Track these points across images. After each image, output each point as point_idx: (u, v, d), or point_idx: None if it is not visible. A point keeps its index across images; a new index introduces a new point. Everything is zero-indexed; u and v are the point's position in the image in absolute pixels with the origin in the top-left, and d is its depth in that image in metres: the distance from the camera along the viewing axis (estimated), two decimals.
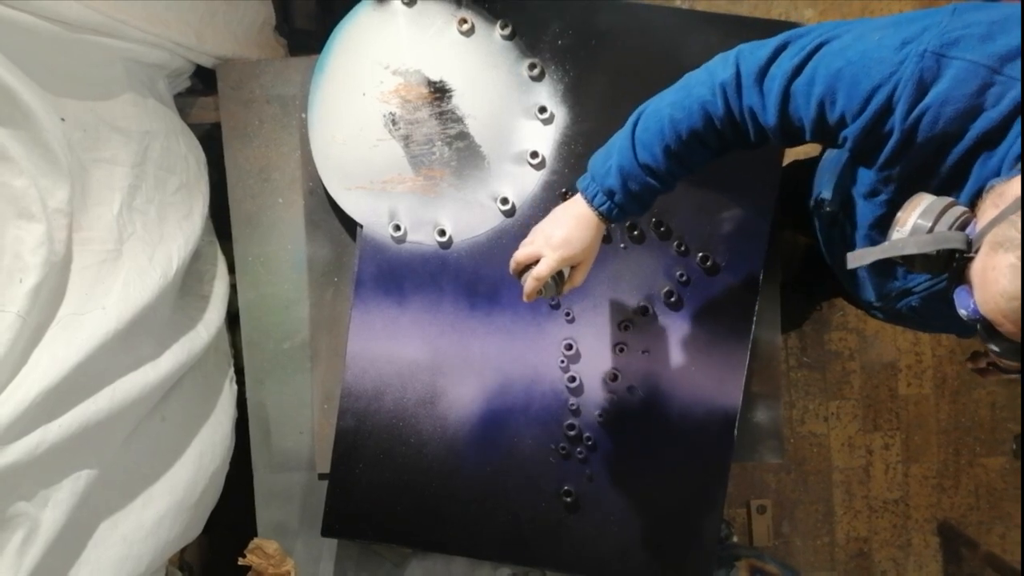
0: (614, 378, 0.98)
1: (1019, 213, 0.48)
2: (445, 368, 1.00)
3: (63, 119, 0.76)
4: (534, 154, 0.98)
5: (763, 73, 0.67)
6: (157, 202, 0.91)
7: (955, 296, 0.54)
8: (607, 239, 0.99)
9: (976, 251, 0.51)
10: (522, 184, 1.00)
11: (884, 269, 0.79)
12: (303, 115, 1.02)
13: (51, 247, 0.71)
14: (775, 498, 1.72)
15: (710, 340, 0.98)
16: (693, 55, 0.96)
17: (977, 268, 0.51)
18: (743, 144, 0.74)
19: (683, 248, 0.98)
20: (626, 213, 0.77)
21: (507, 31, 0.97)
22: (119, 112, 0.86)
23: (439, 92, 0.96)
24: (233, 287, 1.08)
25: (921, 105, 0.58)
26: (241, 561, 1.02)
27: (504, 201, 0.99)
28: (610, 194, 0.76)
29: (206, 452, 0.99)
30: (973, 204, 0.56)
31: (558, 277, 0.79)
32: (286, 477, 1.06)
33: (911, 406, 1.73)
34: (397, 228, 1.00)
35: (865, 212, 0.73)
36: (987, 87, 0.56)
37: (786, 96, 0.66)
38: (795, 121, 0.68)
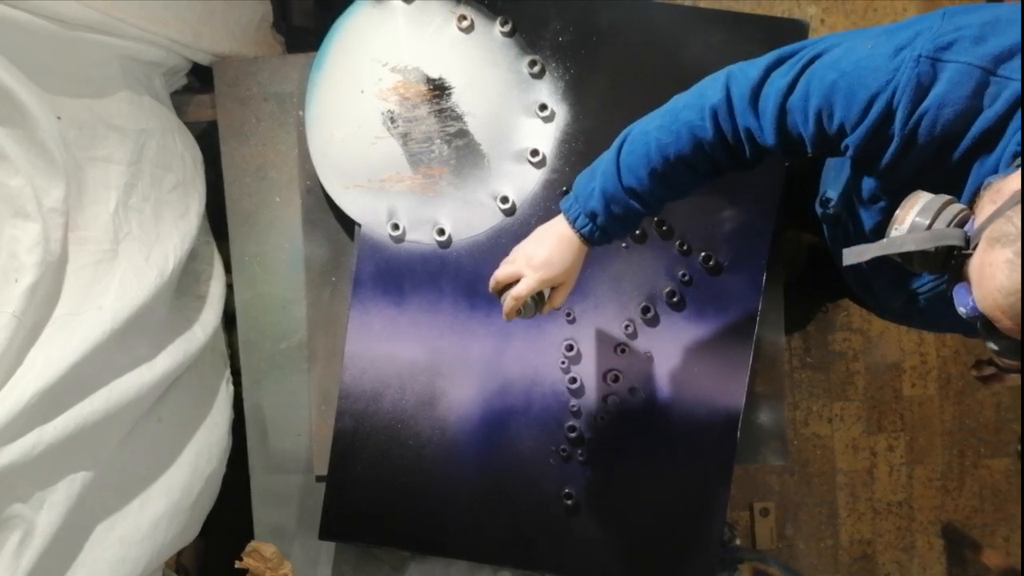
0: (615, 379, 0.97)
1: (1016, 208, 0.48)
2: (444, 369, 0.99)
3: (59, 117, 0.76)
4: (534, 152, 0.98)
5: (756, 94, 0.67)
6: (153, 200, 0.90)
7: (954, 293, 0.54)
8: None
9: (974, 248, 0.51)
10: (522, 183, 0.99)
11: (889, 270, 0.79)
12: (301, 113, 1.02)
13: (47, 246, 0.70)
14: (778, 500, 1.71)
15: (713, 340, 0.97)
16: (695, 52, 0.96)
17: (975, 265, 0.51)
18: (737, 166, 0.74)
19: (685, 247, 0.97)
20: (609, 236, 0.77)
21: (507, 28, 0.96)
22: (115, 110, 0.85)
23: (438, 89, 0.95)
24: (230, 287, 1.07)
25: (920, 109, 0.58)
26: (238, 564, 1.02)
27: (504, 200, 0.98)
28: (592, 216, 0.75)
29: (203, 453, 0.98)
30: (971, 203, 0.56)
31: (538, 297, 0.78)
32: (283, 479, 1.06)
33: (915, 407, 1.72)
34: (396, 227, 0.99)
35: (867, 216, 0.73)
36: (983, 88, 0.56)
37: (782, 113, 0.66)
38: (794, 137, 0.68)
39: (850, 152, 0.65)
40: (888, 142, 0.61)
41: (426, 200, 0.99)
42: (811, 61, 0.64)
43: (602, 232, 0.76)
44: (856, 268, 0.83)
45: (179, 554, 1.08)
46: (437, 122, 0.96)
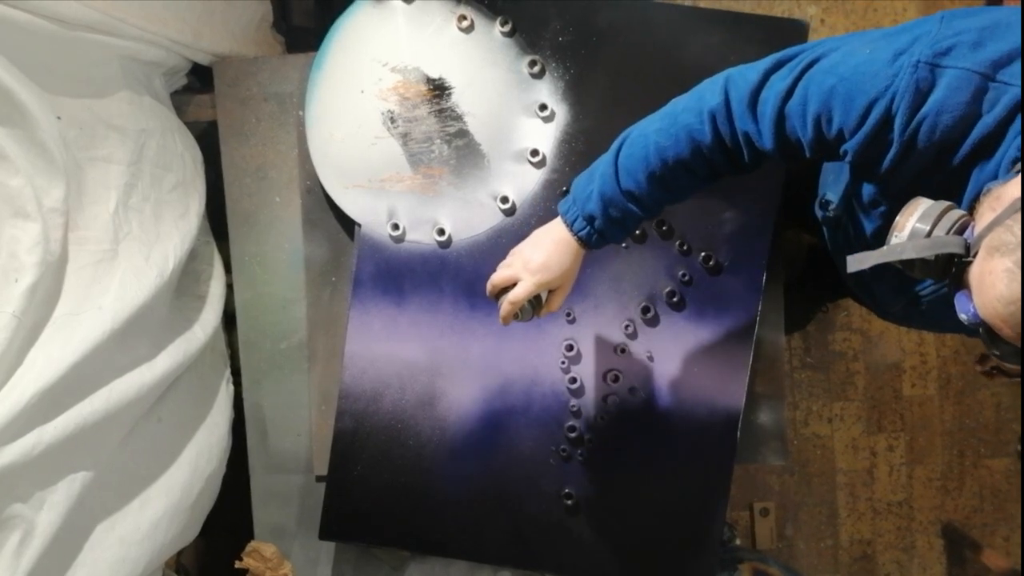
0: (615, 379, 0.97)
1: (1015, 217, 0.48)
2: (444, 369, 0.99)
3: (59, 117, 0.76)
4: (534, 152, 0.98)
5: (755, 98, 0.67)
6: (153, 200, 0.90)
7: (956, 301, 0.55)
8: None
9: (974, 255, 0.51)
10: (522, 183, 0.99)
11: (890, 274, 0.79)
12: (301, 113, 1.02)
13: (47, 246, 0.70)
14: (778, 500, 1.71)
15: (713, 340, 0.97)
16: (695, 52, 0.96)
17: (975, 273, 0.51)
18: (735, 170, 0.74)
19: (685, 247, 0.97)
20: (606, 239, 0.77)
21: (507, 28, 0.96)
22: (115, 110, 0.85)
23: (438, 89, 0.95)
24: (230, 287, 1.07)
25: (919, 115, 0.58)
26: (238, 564, 1.02)
27: (504, 200, 0.98)
28: (590, 220, 0.75)
29: (203, 453, 0.98)
30: (971, 209, 0.56)
31: (535, 301, 0.78)
32: (283, 479, 1.06)
33: (915, 407, 1.72)
34: (396, 227, 0.99)
35: (867, 220, 0.73)
36: (982, 94, 0.56)
37: (781, 118, 0.66)
38: (793, 142, 0.68)
39: (849, 157, 0.65)
40: (887, 148, 0.62)
41: (426, 200, 0.99)
42: (809, 65, 0.64)
43: (600, 236, 0.76)
44: (857, 271, 0.83)
45: (179, 554, 1.08)
46: (437, 122, 0.96)
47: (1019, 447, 1.71)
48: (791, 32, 0.95)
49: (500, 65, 0.97)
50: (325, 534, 1.01)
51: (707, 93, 0.71)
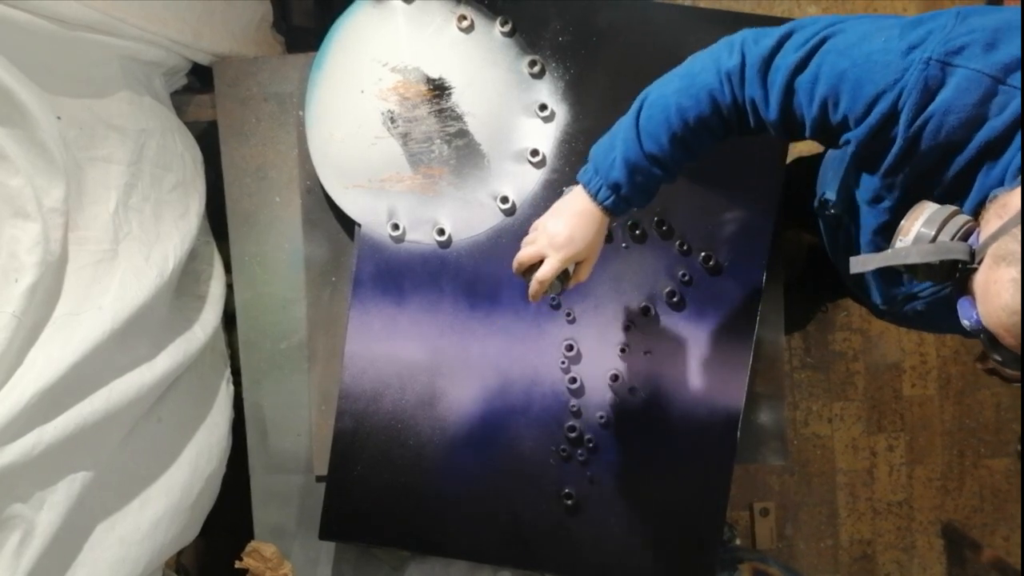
0: (615, 379, 0.97)
1: (1020, 227, 0.48)
2: (444, 369, 0.99)
3: (59, 117, 0.76)
4: (534, 152, 0.98)
5: (767, 65, 0.66)
6: (153, 200, 0.90)
7: (958, 306, 0.54)
8: (608, 238, 0.98)
9: (979, 262, 0.51)
10: (522, 183, 0.99)
11: (890, 274, 0.79)
12: (301, 113, 1.02)
13: (47, 246, 0.70)
14: (778, 500, 1.71)
15: (713, 341, 0.97)
16: (694, 52, 0.95)
17: (980, 281, 0.51)
18: (744, 131, 0.73)
19: (685, 248, 0.97)
20: (631, 206, 0.76)
21: (507, 28, 0.96)
22: (115, 110, 0.85)
23: (438, 89, 0.95)
24: (230, 287, 1.07)
25: (925, 113, 0.58)
26: (238, 564, 1.02)
27: (504, 200, 0.98)
28: (615, 188, 0.74)
29: (203, 453, 0.98)
30: (977, 213, 0.56)
31: (562, 275, 0.77)
32: (283, 479, 1.06)
33: (915, 407, 1.72)
34: (396, 227, 0.99)
35: (868, 218, 0.72)
36: (991, 97, 0.56)
37: (789, 91, 0.65)
38: (797, 117, 0.67)
39: (852, 148, 0.64)
40: (891, 143, 0.61)
41: (426, 200, 0.99)
42: (824, 40, 0.63)
43: (626, 202, 0.74)
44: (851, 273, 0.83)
45: (179, 554, 1.08)
46: (437, 122, 0.96)
47: (1019, 447, 1.71)
48: None
49: (500, 65, 0.97)
50: (325, 534, 1.01)
51: (723, 53, 0.69)
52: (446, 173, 0.98)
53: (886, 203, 0.67)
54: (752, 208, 0.96)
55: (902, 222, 0.57)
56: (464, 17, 0.95)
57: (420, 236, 0.99)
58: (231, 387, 1.09)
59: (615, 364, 0.98)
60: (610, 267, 0.98)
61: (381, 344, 0.99)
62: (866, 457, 1.72)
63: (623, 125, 0.75)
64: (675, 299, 0.97)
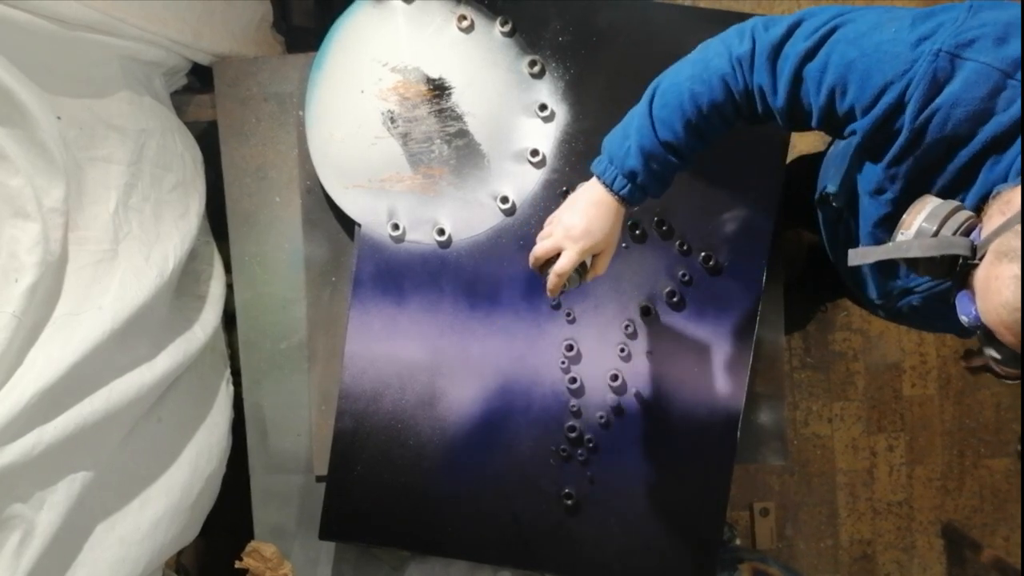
0: (615, 379, 0.97)
1: (1022, 224, 0.48)
2: (444, 369, 0.99)
3: (59, 117, 0.76)
4: (534, 152, 0.98)
5: (777, 52, 0.66)
6: (153, 200, 0.90)
7: (957, 302, 0.54)
8: None
9: (980, 258, 0.51)
10: (522, 183, 0.99)
11: (886, 267, 0.79)
12: (301, 113, 1.02)
13: (47, 246, 0.70)
14: (778, 500, 1.70)
15: (713, 341, 0.97)
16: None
17: (980, 276, 0.51)
18: (752, 118, 0.73)
19: (685, 248, 0.97)
20: (647, 195, 0.75)
21: (507, 28, 0.96)
22: (115, 110, 0.85)
23: (438, 89, 0.95)
24: (230, 287, 1.07)
25: (932, 105, 0.58)
26: (238, 564, 1.02)
27: (504, 200, 0.98)
28: (631, 176, 0.73)
29: (203, 453, 0.98)
30: (979, 207, 0.56)
31: (580, 268, 0.77)
32: (283, 479, 1.06)
33: (915, 407, 1.72)
34: (396, 227, 0.99)
35: (870, 210, 0.72)
36: (999, 91, 0.55)
37: (798, 79, 0.65)
38: (804, 106, 0.67)
39: (857, 138, 0.64)
40: (896, 134, 0.61)
41: (426, 200, 0.99)
42: (834, 29, 0.63)
43: (642, 191, 0.74)
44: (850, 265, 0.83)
45: (179, 554, 1.08)
46: (437, 122, 0.96)
47: (1019, 447, 1.71)
48: None
49: (500, 65, 0.97)
50: (325, 534, 1.01)
51: (734, 40, 0.69)
52: (446, 173, 0.98)
53: (888, 195, 0.67)
54: (752, 208, 0.96)
55: (904, 216, 0.57)
56: (464, 17, 0.95)
57: (420, 236, 0.99)
58: (231, 387, 1.09)
59: (615, 364, 0.98)
60: (610, 267, 0.98)
61: (381, 344, 0.99)
62: (866, 457, 1.72)
63: (637, 113, 0.74)
64: (675, 299, 0.97)
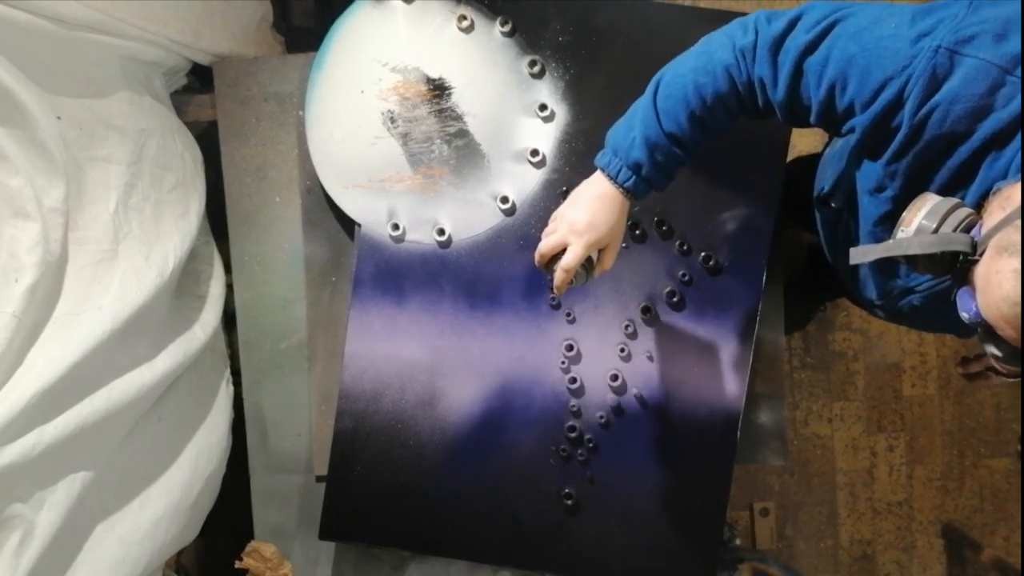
0: (615, 379, 0.97)
1: (1022, 219, 0.48)
2: (444, 369, 0.99)
3: (59, 117, 0.76)
4: (534, 152, 0.98)
5: (778, 45, 0.66)
6: (153, 200, 0.90)
7: (957, 298, 0.54)
8: None
9: (980, 254, 0.51)
10: (522, 183, 0.99)
11: (886, 266, 0.78)
12: (301, 113, 1.02)
13: (47, 246, 0.70)
14: (778, 500, 1.70)
15: (713, 341, 0.97)
16: None
17: (981, 272, 0.51)
18: (756, 111, 0.73)
19: (685, 248, 0.97)
20: (652, 187, 0.75)
21: (507, 28, 0.96)
22: (115, 110, 0.85)
23: (438, 89, 0.95)
24: (230, 287, 1.07)
25: (931, 101, 0.58)
26: (238, 564, 1.02)
27: (504, 200, 0.98)
28: (636, 168, 0.73)
29: (203, 453, 0.98)
30: (979, 204, 0.56)
31: (587, 263, 0.76)
32: (283, 479, 1.06)
33: (915, 407, 1.72)
34: (396, 227, 0.99)
35: (869, 208, 0.72)
36: (998, 87, 0.55)
37: (798, 72, 0.65)
38: (803, 100, 0.67)
39: (856, 135, 0.64)
40: (895, 130, 0.61)
41: (426, 200, 0.99)
42: (835, 23, 0.63)
43: (646, 183, 0.74)
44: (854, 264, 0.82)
45: (179, 554, 1.08)
46: (437, 122, 0.96)
47: (1019, 447, 1.71)
48: None
49: (500, 65, 0.97)
50: (325, 534, 1.01)
51: (738, 32, 0.70)
52: (446, 173, 0.98)
53: (888, 192, 0.67)
54: (752, 208, 0.96)
55: (904, 213, 0.57)
56: (464, 17, 0.95)
57: (420, 236, 0.99)
58: (231, 387, 1.09)
59: (615, 364, 0.98)
60: (610, 267, 0.98)
61: (381, 344, 0.99)
62: (866, 457, 1.72)
63: (641, 106, 0.74)
64: (675, 299, 0.97)
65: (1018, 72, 0.55)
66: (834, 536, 1.72)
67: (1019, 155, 0.56)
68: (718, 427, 0.97)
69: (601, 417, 0.98)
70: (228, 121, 1.04)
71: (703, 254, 0.97)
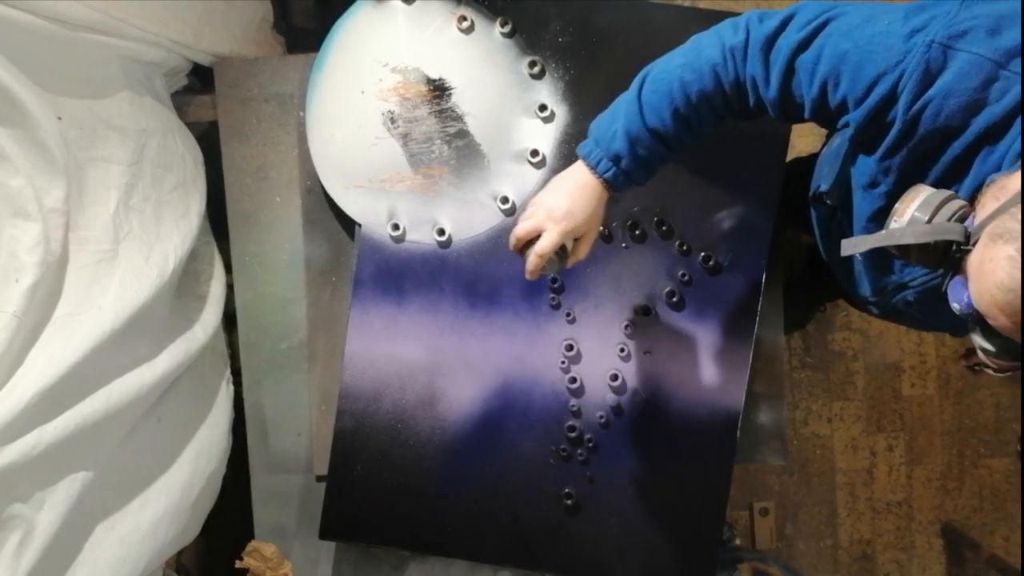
0: (615, 379, 0.98)
1: (1019, 206, 0.48)
2: (444, 369, 0.99)
3: (60, 117, 0.76)
4: (534, 152, 0.98)
5: (770, 43, 0.66)
6: (154, 201, 0.90)
7: (949, 289, 0.54)
8: (608, 239, 0.98)
9: (974, 244, 0.51)
10: (522, 183, 0.99)
11: (880, 262, 0.78)
12: (301, 113, 1.02)
13: (47, 246, 0.70)
14: (778, 500, 1.71)
15: (712, 340, 0.97)
16: None
17: (974, 260, 0.51)
18: (743, 112, 0.73)
19: (685, 247, 0.97)
20: (631, 180, 0.74)
21: (507, 28, 0.96)
22: (116, 110, 0.85)
23: (438, 90, 0.96)
24: (230, 287, 1.07)
25: (925, 96, 0.58)
26: (238, 564, 1.02)
27: (504, 200, 0.98)
28: (616, 160, 0.72)
29: (203, 453, 0.98)
30: (972, 199, 0.56)
31: (561, 251, 0.76)
32: (284, 479, 1.06)
33: (915, 407, 1.72)
34: (396, 227, 0.99)
35: (864, 204, 0.72)
36: (991, 82, 0.56)
37: (790, 70, 0.65)
38: (796, 97, 0.67)
39: (851, 131, 0.64)
40: (889, 126, 0.61)
41: (426, 200, 0.99)
42: (827, 22, 0.63)
43: (626, 176, 0.73)
44: (845, 259, 0.82)
45: (179, 554, 1.08)
46: (437, 122, 0.96)
47: (1019, 447, 1.71)
48: None
49: (500, 66, 0.97)
50: (325, 534, 1.01)
51: (728, 31, 0.70)
52: (446, 173, 0.98)
53: (882, 188, 0.67)
54: (752, 208, 0.97)
55: (897, 204, 0.57)
56: (464, 18, 0.95)
57: (420, 236, 0.99)
58: (231, 387, 1.09)
59: (615, 364, 0.98)
60: (610, 267, 0.98)
61: (381, 344, 0.99)
62: (866, 457, 1.72)
63: (625, 99, 0.74)
64: (675, 299, 0.97)
65: (1011, 66, 0.55)
66: (834, 536, 1.73)
67: (1012, 149, 0.56)
68: (718, 427, 0.97)
69: (601, 417, 0.98)
70: (229, 121, 1.04)
71: (703, 254, 0.97)
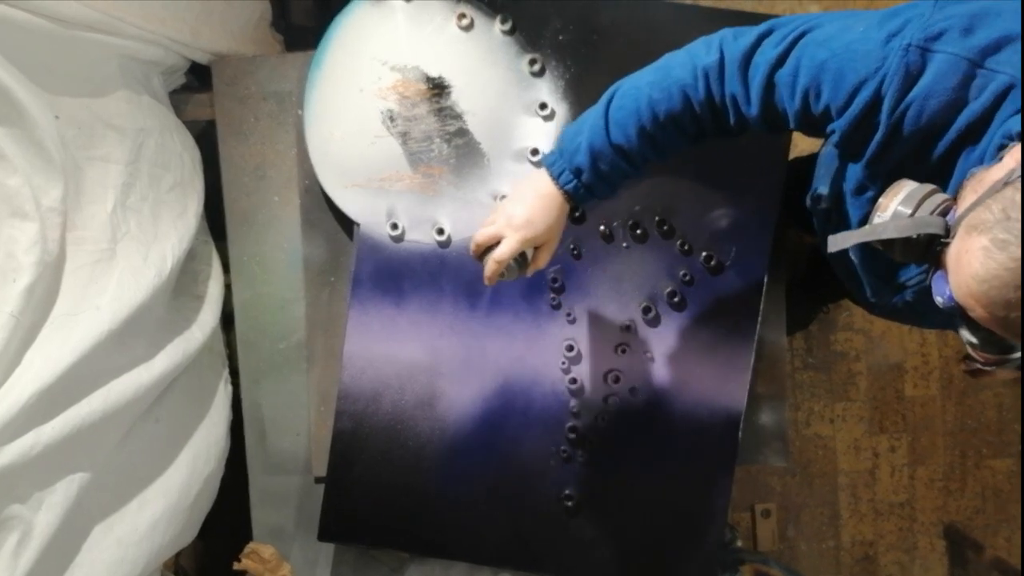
0: (616, 380, 0.97)
1: (995, 197, 0.48)
2: (444, 369, 0.98)
3: (57, 116, 0.75)
4: (535, 151, 0.97)
5: (747, 61, 0.66)
6: (151, 200, 0.90)
7: (933, 283, 0.54)
8: (609, 238, 0.98)
9: (953, 236, 0.51)
10: None
11: (877, 264, 0.78)
12: (299, 112, 1.01)
13: (44, 246, 0.70)
14: (780, 502, 1.70)
15: (714, 341, 0.97)
16: None
17: (952, 253, 0.51)
18: (721, 131, 0.72)
19: (686, 247, 0.97)
20: (593, 194, 0.74)
21: (507, 26, 0.96)
22: (113, 109, 0.85)
23: (438, 88, 0.95)
24: (228, 287, 1.07)
25: (907, 99, 0.58)
26: (236, 566, 1.01)
27: (504, 199, 0.98)
28: (577, 173, 0.72)
29: (201, 454, 0.98)
30: (956, 196, 0.56)
31: (521, 259, 0.76)
32: (282, 480, 1.05)
33: (917, 408, 1.71)
34: (395, 227, 0.98)
35: (854, 210, 0.72)
36: (969, 80, 0.56)
37: (769, 86, 0.66)
38: (779, 111, 0.67)
39: (836, 138, 0.65)
40: (874, 131, 0.61)
41: (426, 199, 0.98)
42: (803, 35, 0.64)
43: (587, 190, 0.73)
44: (845, 259, 0.82)
45: (177, 555, 1.08)
46: (437, 121, 0.96)
47: (1021, 448, 1.70)
48: None
49: (500, 64, 0.97)
50: (324, 535, 1.00)
51: (700, 51, 0.69)
52: (446, 172, 0.97)
53: (869, 193, 0.67)
54: (753, 208, 0.96)
55: (880, 199, 0.57)
56: (464, 15, 0.95)
57: (420, 236, 0.99)
58: (229, 387, 1.09)
59: (615, 364, 0.97)
60: (610, 267, 0.98)
61: (380, 344, 0.99)
62: (868, 458, 1.71)
63: (593, 112, 0.74)
64: (676, 299, 0.97)
65: (988, 64, 0.55)
66: (836, 537, 1.72)
67: (992, 144, 0.56)
68: (719, 428, 0.96)
69: (602, 418, 0.98)
70: (226, 120, 1.04)
71: (704, 254, 0.96)
